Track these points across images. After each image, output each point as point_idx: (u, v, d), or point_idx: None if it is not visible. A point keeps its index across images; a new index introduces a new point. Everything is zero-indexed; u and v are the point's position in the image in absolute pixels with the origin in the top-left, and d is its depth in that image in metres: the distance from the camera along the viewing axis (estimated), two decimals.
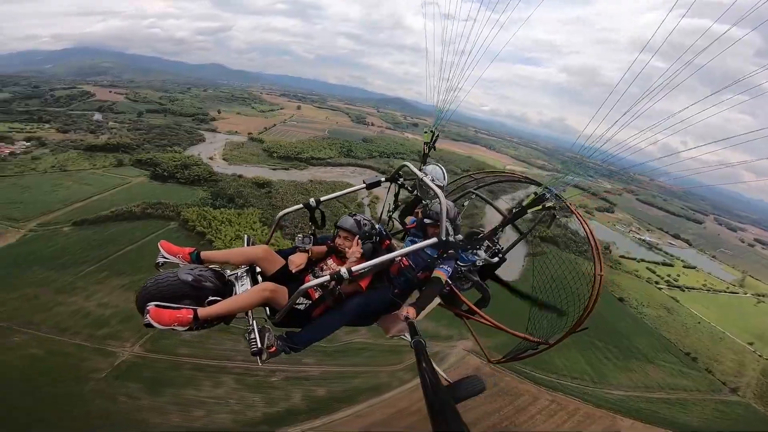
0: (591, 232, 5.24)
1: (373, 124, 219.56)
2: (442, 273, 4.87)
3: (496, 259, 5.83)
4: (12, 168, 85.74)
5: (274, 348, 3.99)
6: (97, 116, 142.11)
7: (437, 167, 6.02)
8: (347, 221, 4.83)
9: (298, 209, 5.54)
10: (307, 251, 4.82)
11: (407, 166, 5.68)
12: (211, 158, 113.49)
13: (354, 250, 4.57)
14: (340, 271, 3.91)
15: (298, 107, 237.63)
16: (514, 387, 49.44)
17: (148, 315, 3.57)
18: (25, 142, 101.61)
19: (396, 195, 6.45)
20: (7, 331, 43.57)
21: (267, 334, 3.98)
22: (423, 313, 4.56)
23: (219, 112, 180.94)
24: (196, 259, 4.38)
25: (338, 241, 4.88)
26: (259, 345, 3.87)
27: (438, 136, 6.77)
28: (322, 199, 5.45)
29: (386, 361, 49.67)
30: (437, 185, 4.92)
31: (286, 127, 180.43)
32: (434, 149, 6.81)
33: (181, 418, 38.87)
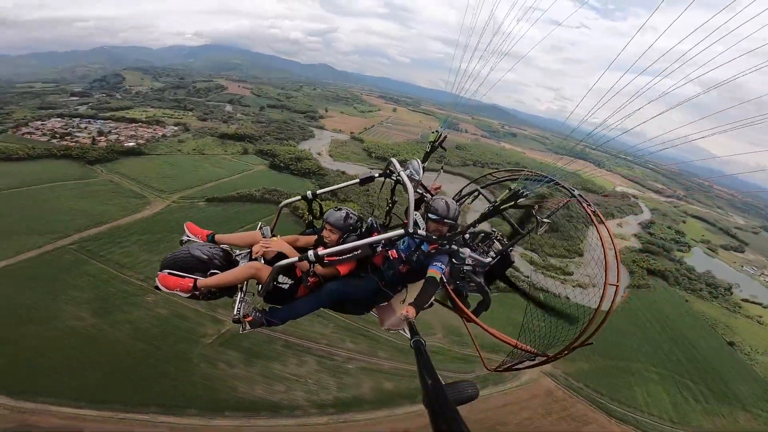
0: (608, 238, 4.52)
1: (466, 131, 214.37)
2: (435, 271, 4.77)
3: (488, 260, 5.44)
4: (163, 148, 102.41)
5: (250, 318, 4.46)
6: (228, 108, 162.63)
7: (414, 161, 5.82)
8: (332, 215, 5.06)
9: (297, 200, 6.11)
10: (266, 237, 5.12)
11: (392, 162, 5.57)
12: (319, 154, 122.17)
13: (331, 239, 4.98)
14: (308, 253, 4.33)
15: (394, 109, 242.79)
16: (584, 414, 48.24)
17: (157, 279, 4.30)
18: (173, 127, 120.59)
19: (392, 190, 6.24)
20: (143, 291, 51.90)
21: (245, 305, 4.44)
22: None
23: (326, 110, 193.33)
24: (211, 239, 5.04)
25: (324, 233, 5.14)
26: (237, 313, 4.38)
27: (445, 137, 6.68)
28: (318, 192, 5.98)
29: (455, 368, 49.42)
30: (414, 179, 5.22)
31: (383, 128, 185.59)
32: (443, 149, 6.73)
33: (264, 391, 42.47)
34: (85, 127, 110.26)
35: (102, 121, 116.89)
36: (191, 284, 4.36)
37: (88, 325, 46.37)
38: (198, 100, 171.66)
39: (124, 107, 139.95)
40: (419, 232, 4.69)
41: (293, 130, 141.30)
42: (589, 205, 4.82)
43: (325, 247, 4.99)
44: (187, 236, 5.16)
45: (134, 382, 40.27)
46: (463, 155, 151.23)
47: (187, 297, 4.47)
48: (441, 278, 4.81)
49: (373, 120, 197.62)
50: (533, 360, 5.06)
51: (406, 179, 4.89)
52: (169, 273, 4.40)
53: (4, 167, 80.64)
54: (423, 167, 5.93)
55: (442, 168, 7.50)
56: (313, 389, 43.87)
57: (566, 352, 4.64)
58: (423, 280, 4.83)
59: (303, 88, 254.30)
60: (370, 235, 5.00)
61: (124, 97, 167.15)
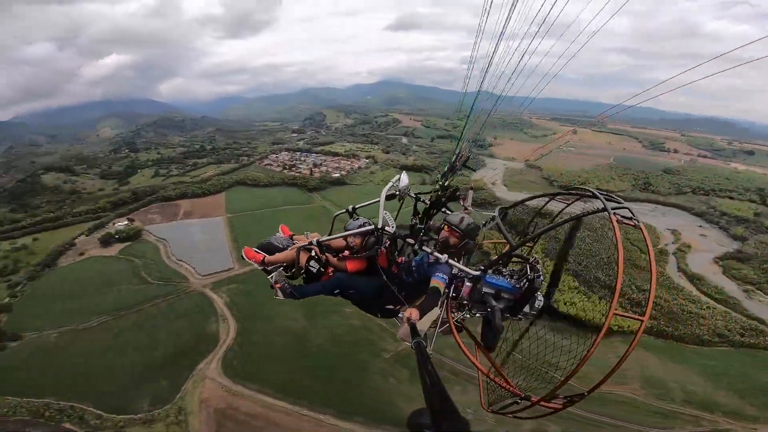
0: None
1: (676, 151, 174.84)
2: (438, 282, 4.91)
3: (477, 272, 5.16)
4: (359, 178, 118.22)
5: (280, 285, 5.61)
6: (404, 140, 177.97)
7: (403, 174, 5.90)
8: (351, 224, 5.86)
9: (342, 213, 6.64)
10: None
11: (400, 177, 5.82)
12: (493, 183, 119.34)
13: (355, 243, 5.83)
14: (314, 240, 5.76)
15: (574, 131, 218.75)
16: None
17: (243, 251, 5.87)
18: (365, 159, 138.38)
19: (414, 206, 6.32)
20: (343, 301, 58.62)
21: (277, 275, 5.65)
22: (424, 321, 5.11)
23: (495, 138, 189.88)
24: (290, 237, 6.24)
25: (349, 239, 5.88)
26: (272, 279, 5.62)
27: (468, 158, 6.71)
28: (356, 207, 6.40)
29: (651, 422, 42.58)
30: (395, 191, 5.68)
31: (563, 153, 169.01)
32: (468, 168, 6.86)
33: None
34: (304, 160, 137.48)
35: (315, 155, 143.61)
36: (261, 258, 5.71)
37: (299, 327, 55.48)
38: (380, 134, 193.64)
39: (328, 142, 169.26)
40: (386, 229, 5.55)
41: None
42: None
43: (352, 251, 5.87)
44: (278, 233, 6.35)
45: (323, 383, 45.70)
46: (676, 181, 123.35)
47: (260, 268, 5.76)
48: (444, 289, 4.90)
49: (549, 145, 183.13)
50: (518, 403, 4.34)
51: (383, 192, 5.56)
52: (254, 250, 5.85)
53: (256, 192, 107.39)
54: (405, 179, 5.87)
55: (471, 188, 7.30)
56: (468, 418, 41.47)
57: (550, 400, 3.90)
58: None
59: (471, 118, 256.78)
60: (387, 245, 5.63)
61: (327, 133, 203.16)
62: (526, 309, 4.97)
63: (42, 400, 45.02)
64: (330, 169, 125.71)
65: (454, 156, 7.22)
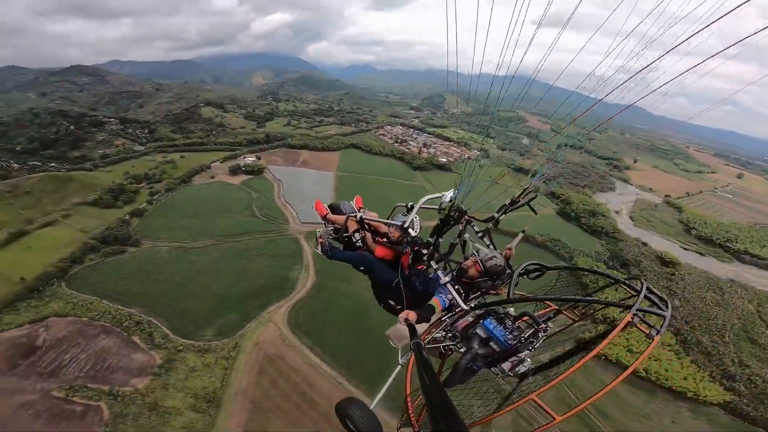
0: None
1: None
2: (437, 301, 5.04)
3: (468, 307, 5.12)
4: (465, 170, 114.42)
5: (322, 239, 6.39)
6: (526, 141, 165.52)
7: (450, 192, 6.19)
8: (398, 218, 6.53)
9: (402, 205, 6.86)
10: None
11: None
12: (617, 212, 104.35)
13: (394, 235, 6.08)
14: (357, 214, 6.71)
15: (740, 175, 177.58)
16: None
17: (314, 203, 7.33)
18: (476, 151, 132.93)
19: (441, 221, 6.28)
20: None
21: (323, 231, 6.69)
22: (421, 329, 4.95)
23: (634, 161, 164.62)
24: (358, 209, 7.01)
25: (390, 230, 6.20)
26: (318, 233, 6.64)
27: (535, 196, 6.08)
28: (416, 204, 6.39)
29: None
30: (437, 204, 6.16)
31: (717, 198, 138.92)
32: (531, 209, 6.30)
33: None
34: (415, 138, 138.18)
35: (426, 135, 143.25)
36: (324, 214, 6.98)
37: (367, 297, 56.16)
38: (500, 128, 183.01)
39: (442, 126, 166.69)
40: (409, 231, 5.96)
41: (591, 177, 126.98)
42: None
43: (387, 240, 6.23)
44: (349, 203, 7.17)
45: (368, 358, 44.90)
46: None
47: (322, 221, 6.97)
48: (440, 310, 4.97)
49: (701, 184, 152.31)
50: None
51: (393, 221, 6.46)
52: (324, 206, 7.17)
53: (367, 157, 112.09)
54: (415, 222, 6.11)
55: (523, 232, 6.73)
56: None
57: None
58: None
59: (608, 131, 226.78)
60: (419, 249, 5.91)
61: (443, 117, 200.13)
62: (506, 366, 4.32)
63: (129, 309, 51.47)
64: (438, 153, 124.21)
65: (522, 190, 6.23)
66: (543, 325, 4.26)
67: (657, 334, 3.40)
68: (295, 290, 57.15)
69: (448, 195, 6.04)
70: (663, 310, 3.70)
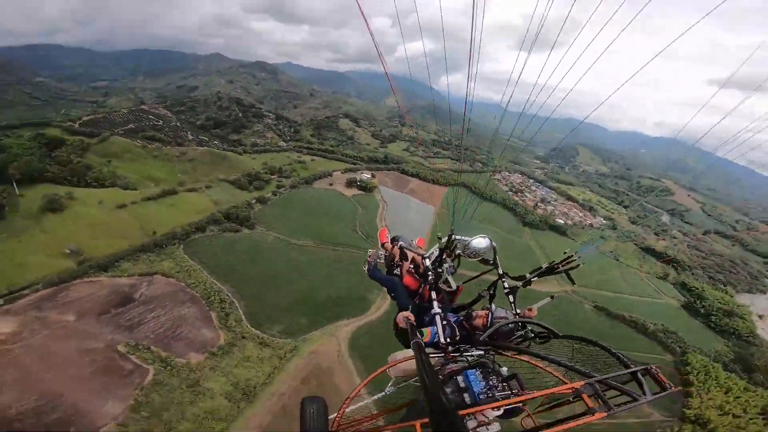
0: None
1: None
2: (429, 331, 5.08)
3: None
4: (583, 235, 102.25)
5: (370, 259, 7.59)
6: (666, 218, 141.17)
7: (483, 239, 6.01)
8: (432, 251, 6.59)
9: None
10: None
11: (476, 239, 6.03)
12: (760, 316, 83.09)
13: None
14: (402, 244, 7.41)
15: None
16: None
17: (380, 230, 8.55)
18: (602, 219, 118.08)
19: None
20: None
21: (372, 253, 7.70)
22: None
23: None
24: (417, 245, 7.65)
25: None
26: (367, 254, 7.71)
27: (577, 265, 5.60)
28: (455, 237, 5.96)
29: None
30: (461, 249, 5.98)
31: None
32: (570, 279, 5.71)
33: None
34: (534, 190, 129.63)
35: (547, 190, 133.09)
36: (384, 242, 7.88)
37: None
38: (637, 197, 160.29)
39: (568, 183, 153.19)
40: (426, 262, 6.19)
41: (739, 275, 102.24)
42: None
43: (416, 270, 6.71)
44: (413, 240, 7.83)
45: (403, 397, 41.90)
46: None
47: (381, 246, 7.92)
48: (428, 338, 4.98)
49: None
50: None
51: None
52: (387, 235, 8.08)
53: (476, 199, 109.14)
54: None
55: (552, 297, 6.23)
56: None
57: None
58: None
59: None
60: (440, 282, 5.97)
61: (571, 173, 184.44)
62: (470, 424, 3.91)
63: (221, 285, 55.00)
64: (556, 212, 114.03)
65: (565, 257, 5.72)
66: (525, 395, 3.78)
67: (607, 411, 3.07)
68: (368, 312, 57.58)
69: (479, 243, 5.90)
70: (638, 396, 3.27)
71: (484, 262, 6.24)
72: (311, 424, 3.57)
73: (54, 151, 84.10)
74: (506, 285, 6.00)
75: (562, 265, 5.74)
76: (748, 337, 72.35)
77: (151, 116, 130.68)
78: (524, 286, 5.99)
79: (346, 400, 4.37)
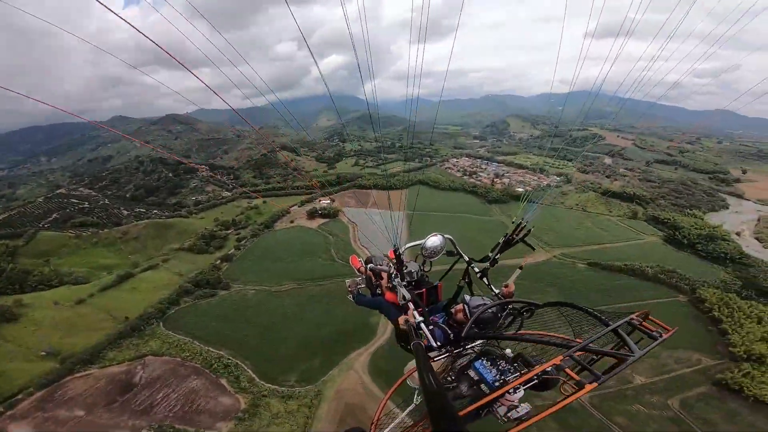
0: None
1: None
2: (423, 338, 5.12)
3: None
4: (547, 198, 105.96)
5: (351, 289, 7.58)
6: (608, 161, 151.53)
7: (434, 237, 6.12)
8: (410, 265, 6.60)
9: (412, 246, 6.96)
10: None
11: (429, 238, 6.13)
12: (737, 233, 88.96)
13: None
14: (368, 266, 7.33)
15: None
16: None
17: (351, 257, 8.76)
18: (556, 177, 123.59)
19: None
20: None
21: (350, 281, 7.69)
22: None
23: (744, 172, 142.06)
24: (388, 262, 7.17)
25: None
26: (347, 283, 7.66)
27: (529, 231, 5.94)
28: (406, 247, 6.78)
29: None
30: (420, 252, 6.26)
31: None
32: (527, 244, 6.10)
33: None
34: (485, 168, 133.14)
35: (496, 164, 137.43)
36: (358, 266, 7.85)
37: None
38: (576, 149, 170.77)
39: (512, 152, 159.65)
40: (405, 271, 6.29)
41: (696, 196, 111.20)
42: None
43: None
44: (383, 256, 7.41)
45: None
46: None
47: (357, 271, 7.91)
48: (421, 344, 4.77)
49: None
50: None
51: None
52: (359, 260, 8.05)
53: (436, 193, 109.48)
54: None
55: (520, 268, 6.14)
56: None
57: None
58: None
59: (701, 141, 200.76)
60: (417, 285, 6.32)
61: (510, 143, 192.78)
62: (501, 411, 3.73)
63: (218, 351, 52.93)
64: (513, 182, 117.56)
65: (515, 226, 6.09)
66: (536, 368, 3.63)
67: (595, 382, 3.01)
68: (376, 336, 55.29)
69: (433, 242, 6.01)
70: (625, 356, 3.21)
71: (449, 254, 6.42)
72: None
73: None
74: (477, 269, 6.15)
75: (516, 235, 6.01)
76: (740, 258, 74.89)
77: (73, 200, 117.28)
78: (492, 265, 6.15)
79: (373, 422, 4.20)
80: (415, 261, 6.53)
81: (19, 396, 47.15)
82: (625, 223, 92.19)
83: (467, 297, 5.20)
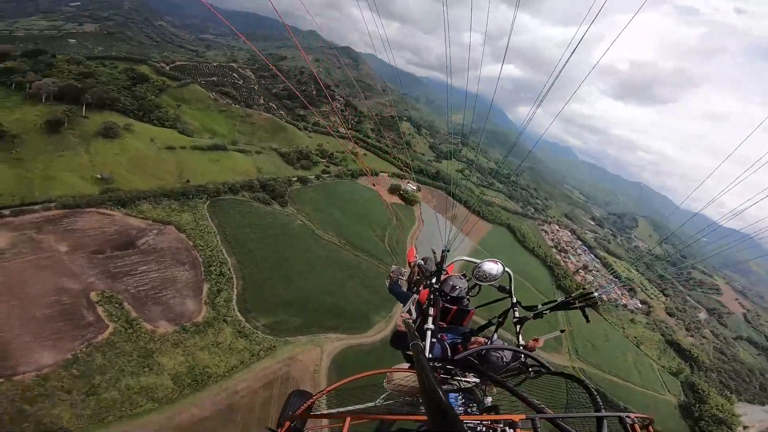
0: None
1: None
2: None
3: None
4: (613, 318, 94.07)
5: (393, 275, 7.89)
6: (702, 315, 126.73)
7: (493, 264, 5.93)
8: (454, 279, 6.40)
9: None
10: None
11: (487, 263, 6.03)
12: (745, 427, 77.83)
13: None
14: (419, 262, 7.63)
15: None
16: None
17: (409, 248, 8.75)
18: (639, 302, 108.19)
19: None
20: None
21: (394, 269, 7.96)
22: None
23: None
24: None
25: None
26: (390, 269, 8.01)
27: (597, 301, 5.50)
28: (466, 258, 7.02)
29: None
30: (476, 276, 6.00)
31: None
32: (585, 316, 5.85)
33: None
34: (579, 254, 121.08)
35: (592, 257, 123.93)
36: (411, 260, 7.86)
37: None
38: (684, 290, 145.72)
39: (617, 255, 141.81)
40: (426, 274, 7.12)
41: (750, 384, 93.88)
42: None
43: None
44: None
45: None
46: None
47: (408, 264, 8.10)
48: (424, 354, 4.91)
49: None
50: None
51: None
52: (415, 255, 8.06)
53: (515, 247, 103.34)
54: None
55: (562, 331, 6.37)
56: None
57: None
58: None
59: None
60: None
61: (623, 245, 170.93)
62: None
63: (227, 257, 52.72)
64: (595, 283, 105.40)
65: (580, 292, 5.68)
66: (490, 416, 3.60)
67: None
68: (366, 333, 53.54)
69: (490, 268, 5.83)
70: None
71: (501, 290, 6.27)
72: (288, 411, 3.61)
73: (136, 86, 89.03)
74: (516, 314, 5.92)
75: (579, 301, 5.56)
76: None
77: (235, 74, 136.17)
78: (535, 317, 5.89)
79: (323, 390, 4.09)
80: (465, 278, 6.29)
81: (37, 206, 47.41)
82: (662, 375, 79.70)
83: (495, 336, 5.30)
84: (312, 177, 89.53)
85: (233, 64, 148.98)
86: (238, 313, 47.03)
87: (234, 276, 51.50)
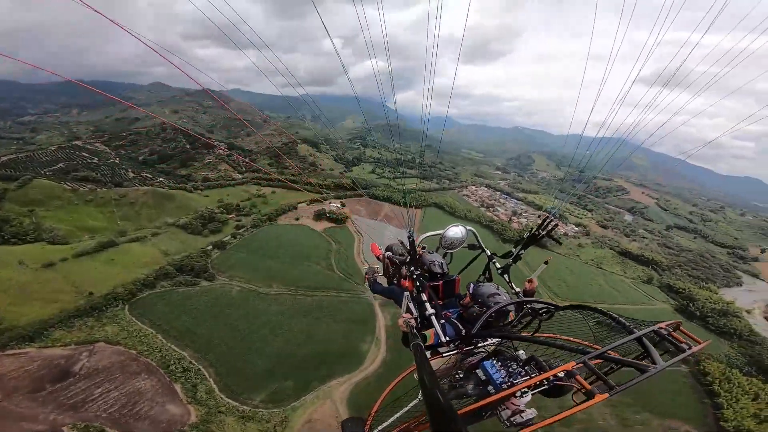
0: None
1: None
2: (432, 332, 4.84)
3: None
4: (563, 248, 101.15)
5: (368, 276, 7.70)
6: (629, 218, 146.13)
7: (456, 228, 6.01)
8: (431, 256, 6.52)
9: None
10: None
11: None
12: (748, 311, 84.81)
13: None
14: (385, 253, 7.23)
15: None
16: None
17: (371, 244, 8.41)
18: (574, 226, 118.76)
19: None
20: None
21: (368, 269, 7.84)
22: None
23: (762, 251, 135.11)
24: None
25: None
26: (364, 270, 9.44)
27: (555, 225, 6.04)
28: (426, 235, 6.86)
29: None
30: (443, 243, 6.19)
31: None
32: (555, 240, 6.73)
33: None
34: (503, 203, 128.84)
35: (516, 201, 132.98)
36: (379, 254, 7.62)
37: None
38: (597, 200, 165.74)
39: (532, 191, 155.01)
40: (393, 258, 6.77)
41: (713, 270, 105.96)
42: None
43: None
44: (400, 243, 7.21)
45: None
46: None
47: (377, 259, 7.79)
48: (432, 340, 4.79)
49: None
50: None
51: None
52: (379, 248, 7.72)
53: (451, 220, 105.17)
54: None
55: (546, 262, 6.41)
56: None
57: None
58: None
59: (725, 210, 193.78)
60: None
61: (531, 180, 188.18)
62: (504, 414, 3.52)
63: (181, 351, 48.04)
64: (530, 223, 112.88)
65: (541, 221, 6.08)
66: (548, 372, 3.38)
67: (606, 393, 2.88)
68: (362, 366, 50.29)
69: (454, 233, 5.94)
70: (646, 367, 3.03)
71: (471, 248, 6.51)
72: None
73: None
74: (498, 266, 6.20)
75: (542, 230, 6.08)
76: (749, 335, 72.01)
77: (84, 153, 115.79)
78: (514, 261, 6.24)
79: (371, 412, 4.20)
80: (437, 252, 6.33)
81: None
82: (638, 286, 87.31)
83: (472, 284, 5.00)
84: (227, 238, 79.94)
85: (77, 142, 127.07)
86: (229, 400, 43.23)
87: (200, 367, 46.93)
